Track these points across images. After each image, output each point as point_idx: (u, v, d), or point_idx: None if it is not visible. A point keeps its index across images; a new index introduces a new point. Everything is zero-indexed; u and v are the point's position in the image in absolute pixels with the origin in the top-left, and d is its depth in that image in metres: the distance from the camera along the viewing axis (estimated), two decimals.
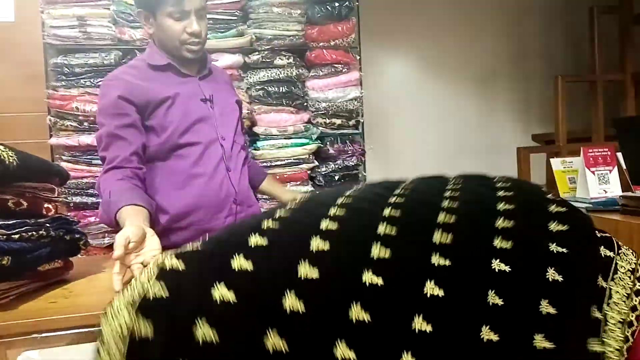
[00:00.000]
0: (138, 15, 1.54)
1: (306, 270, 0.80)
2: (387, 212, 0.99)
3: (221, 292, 0.76)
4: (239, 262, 0.78)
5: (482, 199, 1.19)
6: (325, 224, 0.90)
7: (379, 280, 0.81)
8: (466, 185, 1.30)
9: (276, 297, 0.77)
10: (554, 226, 1.04)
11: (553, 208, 1.13)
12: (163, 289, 0.78)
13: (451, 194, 1.19)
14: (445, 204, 1.11)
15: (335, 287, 0.80)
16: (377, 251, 0.85)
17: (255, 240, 0.84)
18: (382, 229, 0.93)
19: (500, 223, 1.03)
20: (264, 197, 2.17)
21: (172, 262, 0.78)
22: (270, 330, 0.76)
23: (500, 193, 1.24)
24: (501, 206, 1.16)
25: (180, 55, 1.52)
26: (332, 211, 0.96)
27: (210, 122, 1.52)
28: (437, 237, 0.93)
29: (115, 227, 1.30)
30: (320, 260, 0.83)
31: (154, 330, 0.71)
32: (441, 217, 1.01)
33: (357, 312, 0.78)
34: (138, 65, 1.54)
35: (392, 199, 1.03)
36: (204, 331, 0.70)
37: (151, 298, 0.76)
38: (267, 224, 0.91)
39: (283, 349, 0.74)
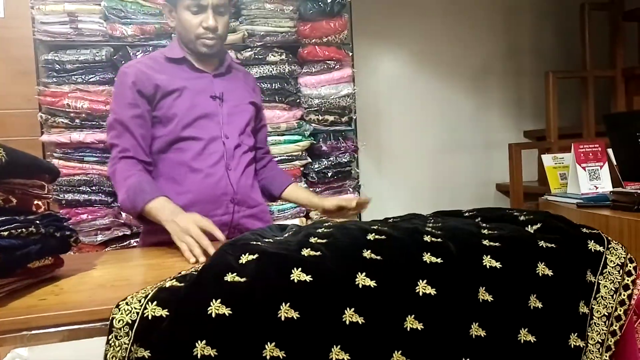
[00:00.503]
0: (163, 7, 1.58)
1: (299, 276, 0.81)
2: (374, 226, 1.02)
3: (232, 277, 0.79)
4: (232, 277, 0.80)
5: (458, 217, 1.24)
6: (314, 239, 0.93)
7: (372, 283, 0.82)
8: (439, 214, 1.37)
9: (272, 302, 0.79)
10: (529, 228, 1.06)
11: (523, 217, 1.16)
12: (177, 283, 0.80)
13: (432, 220, 1.23)
14: (430, 221, 1.14)
15: (329, 291, 0.81)
16: (369, 254, 0.87)
17: (245, 257, 0.86)
18: (371, 236, 0.96)
19: (485, 231, 1.05)
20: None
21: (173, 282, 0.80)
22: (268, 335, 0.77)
23: (471, 214, 1.30)
24: (478, 219, 1.20)
25: (196, 50, 1.53)
26: (319, 230, 0.99)
27: (216, 119, 1.52)
28: (428, 238, 0.95)
29: (137, 215, 1.36)
30: (313, 265, 0.84)
31: (167, 312, 0.73)
32: (428, 227, 1.04)
33: (350, 316, 0.79)
34: (155, 57, 1.57)
35: (375, 226, 1.07)
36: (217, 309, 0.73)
37: (167, 286, 0.78)
38: (259, 243, 0.94)
39: (280, 356, 0.75)
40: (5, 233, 0.84)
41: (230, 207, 1.51)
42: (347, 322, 0.78)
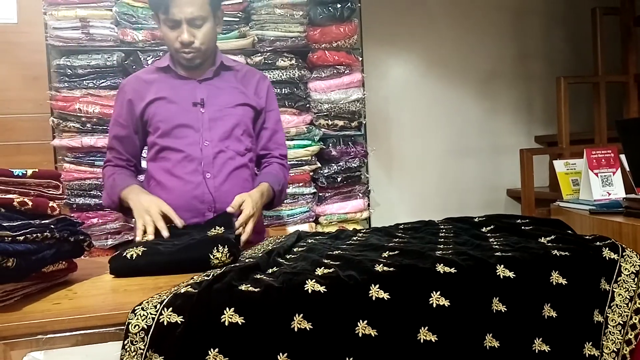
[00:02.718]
0: (153, 18, 1.64)
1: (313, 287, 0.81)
2: (389, 244, 1.02)
3: (246, 287, 0.80)
4: (246, 287, 0.80)
5: (469, 223, 1.23)
6: (334, 251, 0.93)
7: (385, 295, 0.82)
8: (450, 221, 1.38)
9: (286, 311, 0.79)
10: (543, 240, 1.06)
11: (531, 228, 1.15)
12: (191, 289, 0.80)
13: (444, 230, 1.23)
14: (442, 231, 1.14)
15: (343, 303, 0.81)
16: (381, 268, 0.87)
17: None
18: (385, 254, 0.96)
19: (497, 241, 1.04)
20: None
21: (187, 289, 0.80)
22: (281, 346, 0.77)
23: (481, 221, 1.30)
24: (491, 227, 1.19)
25: (179, 61, 1.56)
26: (338, 245, 1.00)
27: (196, 126, 1.52)
28: (440, 253, 0.95)
29: (118, 206, 1.49)
30: (327, 277, 0.85)
31: (182, 318, 0.73)
32: (441, 239, 1.03)
33: (363, 328, 0.79)
34: (149, 67, 1.65)
35: (390, 243, 1.07)
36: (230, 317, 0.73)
37: (182, 292, 0.78)
38: (281, 259, 0.95)
39: None
40: (21, 238, 0.85)
41: (209, 215, 1.47)
42: (360, 335, 0.78)
